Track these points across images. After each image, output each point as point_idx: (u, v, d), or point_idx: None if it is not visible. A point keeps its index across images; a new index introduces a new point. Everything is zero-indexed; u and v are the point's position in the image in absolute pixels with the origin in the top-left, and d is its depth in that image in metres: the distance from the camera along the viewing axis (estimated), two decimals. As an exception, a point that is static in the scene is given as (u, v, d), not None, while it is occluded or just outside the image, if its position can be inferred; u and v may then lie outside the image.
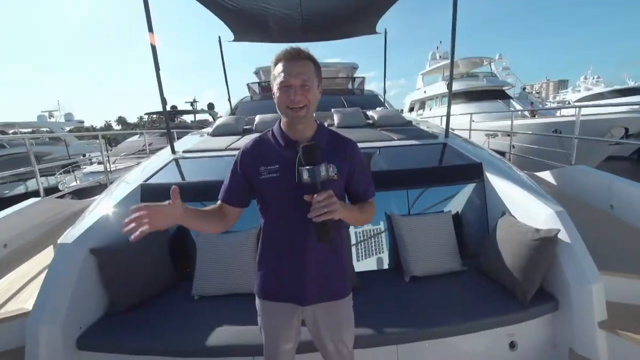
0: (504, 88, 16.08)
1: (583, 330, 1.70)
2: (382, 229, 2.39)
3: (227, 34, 5.11)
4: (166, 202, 1.00)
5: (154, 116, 18.84)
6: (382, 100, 6.08)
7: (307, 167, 0.97)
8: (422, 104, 20.24)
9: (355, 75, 8.38)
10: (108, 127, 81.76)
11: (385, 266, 2.36)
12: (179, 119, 19.29)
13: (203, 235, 2.28)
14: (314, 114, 1.16)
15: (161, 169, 2.85)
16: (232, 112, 5.85)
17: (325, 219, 0.95)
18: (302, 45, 1.08)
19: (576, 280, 1.72)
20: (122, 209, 2.30)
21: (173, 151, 3.26)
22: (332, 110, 4.53)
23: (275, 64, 1.07)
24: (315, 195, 0.96)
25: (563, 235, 1.80)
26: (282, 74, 1.03)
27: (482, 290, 1.98)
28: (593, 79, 24.49)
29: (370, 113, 4.62)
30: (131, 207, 0.94)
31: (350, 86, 7.64)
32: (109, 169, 6.24)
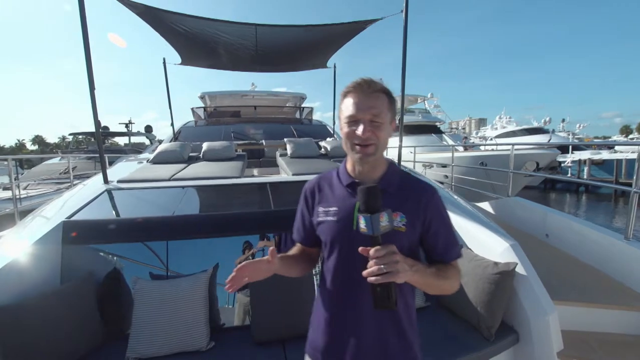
0: (436, 123, 17.75)
1: (544, 362, 1.74)
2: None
3: (172, 55, 4.87)
4: (265, 259, 0.93)
5: (80, 137, 16.89)
6: (332, 131, 6.22)
7: (366, 214, 0.80)
8: (366, 135, 21.44)
9: (303, 105, 8.53)
10: (21, 147, 71.25)
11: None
12: (109, 141, 17.61)
13: (142, 282, 1.94)
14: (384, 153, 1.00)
15: (90, 201, 2.44)
16: (175, 137, 5.49)
17: (383, 281, 0.76)
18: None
19: (534, 312, 1.78)
20: (36, 253, 1.87)
21: (106, 180, 2.85)
22: (285, 139, 4.48)
23: (344, 96, 0.94)
24: (373, 249, 0.78)
25: (519, 269, 1.87)
26: (351, 107, 0.91)
27: (448, 327, 1.95)
28: (507, 118, 28.40)
29: (322, 143, 4.65)
30: (237, 268, 0.91)
31: (298, 115, 7.73)
32: (18, 196, 5.29)
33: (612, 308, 2.04)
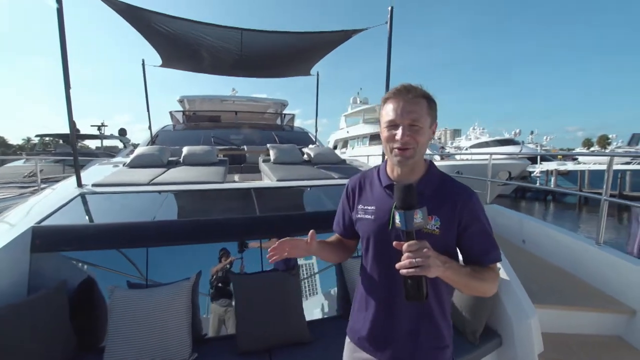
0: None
1: (526, 365, 1.79)
2: (331, 274, 2.27)
3: (151, 56, 4.73)
4: (304, 239, 1.03)
5: (47, 139, 16.05)
6: (313, 138, 6.24)
7: (401, 210, 0.84)
8: (345, 143, 21.69)
9: (284, 112, 8.50)
10: (-22, 149, 66.44)
11: (335, 313, 2.21)
12: (79, 144, 16.81)
13: (119, 291, 1.84)
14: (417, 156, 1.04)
15: (62, 206, 2.29)
16: (152, 140, 5.32)
17: (414, 274, 0.80)
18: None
19: (517, 315, 1.83)
20: (0, 261, 1.73)
21: (79, 184, 2.70)
22: (268, 145, 4.44)
23: (385, 102, 1.00)
24: (406, 243, 0.82)
25: (502, 274, 1.93)
26: (391, 113, 0.96)
27: (434, 332, 1.97)
28: (480, 130, 29.58)
29: (305, 150, 4.64)
30: (279, 241, 1.02)
31: (279, 122, 7.69)
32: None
33: (588, 310, 2.14)
